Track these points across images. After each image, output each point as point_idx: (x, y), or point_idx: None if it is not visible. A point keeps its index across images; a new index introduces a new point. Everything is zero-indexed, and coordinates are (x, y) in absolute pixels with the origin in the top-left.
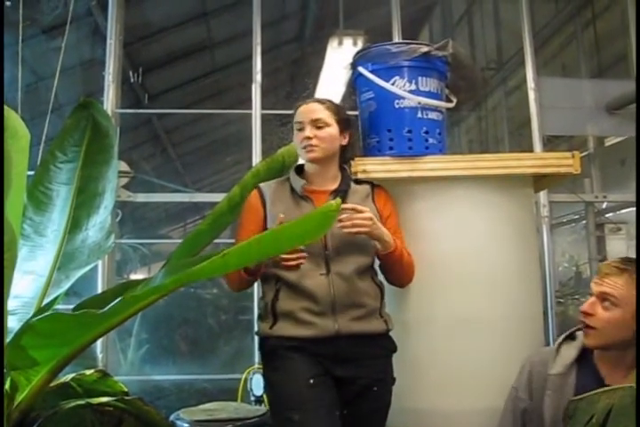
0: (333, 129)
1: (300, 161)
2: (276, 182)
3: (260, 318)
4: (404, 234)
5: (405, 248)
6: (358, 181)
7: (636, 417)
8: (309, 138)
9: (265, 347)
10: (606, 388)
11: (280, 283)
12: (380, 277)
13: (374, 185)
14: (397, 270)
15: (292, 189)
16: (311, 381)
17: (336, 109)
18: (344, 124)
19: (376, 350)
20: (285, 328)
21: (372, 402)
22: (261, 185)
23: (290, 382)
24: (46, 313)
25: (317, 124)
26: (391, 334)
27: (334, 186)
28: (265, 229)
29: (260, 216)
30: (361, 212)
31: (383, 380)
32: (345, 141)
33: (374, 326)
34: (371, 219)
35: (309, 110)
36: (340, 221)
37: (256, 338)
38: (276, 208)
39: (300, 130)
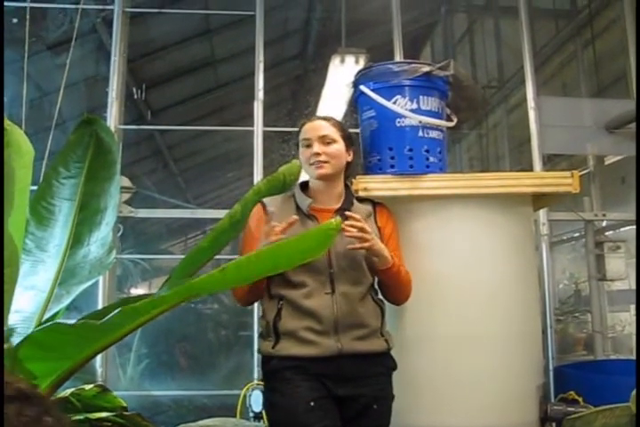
0: (340, 145)
1: (303, 178)
2: (281, 198)
3: (262, 336)
4: (403, 252)
5: (404, 266)
6: (360, 199)
7: (636, 422)
8: (318, 154)
9: (267, 367)
10: (603, 407)
11: (282, 302)
12: (380, 295)
13: (376, 203)
14: (394, 287)
15: (298, 207)
16: (312, 403)
17: (340, 126)
18: (348, 140)
19: (377, 369)
20: (288, 348)
21: (373, 420)
22: (265, 201)
23: (290, 404)
24: (47, 324)
25: (325, 140)
26: (390, 351)
27: (338, 204)
28: None
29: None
30: (363, 227)
31: (384, 398)
32: (350, 158)
33: (376, 346)
34: (371, 234)
35: (316, 127)
36: (345, 230)
37: (255, 354)
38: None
39: (308, 146)
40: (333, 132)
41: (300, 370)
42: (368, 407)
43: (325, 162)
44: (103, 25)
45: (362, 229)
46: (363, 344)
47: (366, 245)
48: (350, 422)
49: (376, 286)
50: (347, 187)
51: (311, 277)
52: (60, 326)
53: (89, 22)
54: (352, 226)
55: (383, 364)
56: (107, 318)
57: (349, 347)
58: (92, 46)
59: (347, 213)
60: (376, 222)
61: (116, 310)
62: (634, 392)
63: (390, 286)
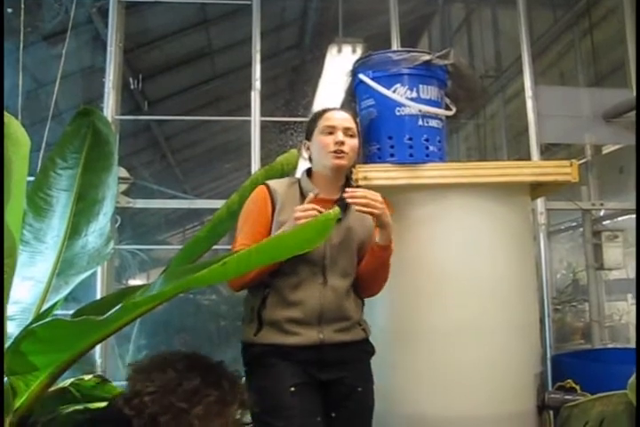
0: (358, 141)
1: (300, 168)
2: (286, 185)
3: (244, 321)
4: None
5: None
6: None
7: (636, 417)
8: (343, 143)
9: (248, 354)
10: (601, 394)
11: (268, 289)
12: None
13: None
14: (379, 270)
15: (302, 195)
16: (292, 389)
17: (358, 123)
18: (361, 138)
19: (358, 354)
20: (269, 336)
21: (359, 403)
22: (271, 184)
23: (271, 389)
24: (47, 319)
25: (348, 132)
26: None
27: (338, 196)
28: (269, 231)
29: (268, 218)
30: (365, 195)
31: (367, 380)
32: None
33: (356, 336)
34: (382, 203)
35: (343, 117)
36: (353, 197)
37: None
38: (283, 215)
39: (330, 134)
40: (355, 127)
41: (281, 356)
42: (353, 389)
43: (346, 153)
44: (99, 15)
45: (365, 197)
46: (342, 335)
47: (376, 211)
48: (337, 405)
49: None
50: (347, 178)
51: (304, 266)
52: (60, 322)
53: (84, 12)
54: (353, 197)
55: (363, 349)
56: (107, 314)
57: (330, 338)
58: (87, 37)
59: (346, 189)
60: None
61: (117, 307)
62: (630, 380)
63: (374, 271)
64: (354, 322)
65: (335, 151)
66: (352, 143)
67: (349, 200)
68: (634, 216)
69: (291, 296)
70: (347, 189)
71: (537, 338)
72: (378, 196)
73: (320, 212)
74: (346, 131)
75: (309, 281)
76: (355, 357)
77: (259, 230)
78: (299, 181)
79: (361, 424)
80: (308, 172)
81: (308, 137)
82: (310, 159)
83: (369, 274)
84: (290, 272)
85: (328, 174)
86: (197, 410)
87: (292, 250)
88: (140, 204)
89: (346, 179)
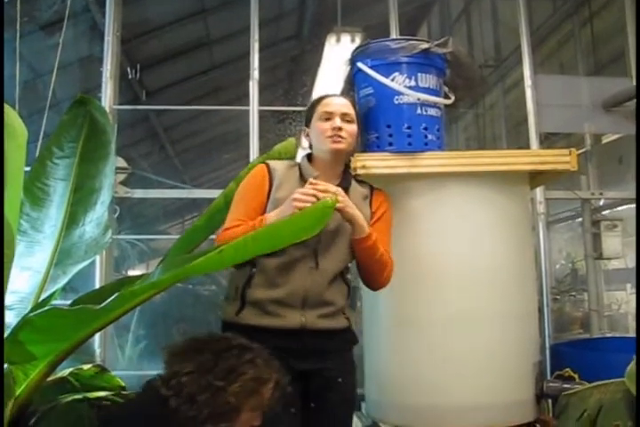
0: (356, 127)
1: (299, 156)
2: (286, 166)
3: (227, 299)
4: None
5: (387, 251)
6: (359, 181)
7: (636, 409)
8: (340, 129)
9: None
10: (599, 382)
11: (255, 269)
12: (350, 275)
13: (374, 188)
14: (370, 264)
15: (301, 177)
16: None
17: (356, 109)
18: (360, 126)
19: (339, 344)
20: (251, 317)
21: (339, 394)
22: (270, 164)
23: None
24: (44, 308)
25: (346, 118)
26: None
27: (337, 182)
28: (264, 209)
29: (264, 195)
30: (326, 189)
31: (348, 371)
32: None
33: (338, 324)
34: (343, 197)
35: (340, 103)
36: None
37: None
38: (280, 193)
39: (328, 120)
40: (353, 113)
41: (260, 343)
42: (333, 381)
43: (344, 138)
44: (96, 4)
45: (325, 191)
46: (325, 322)
47: (339, 206)
48: (316, 396)
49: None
50: (346, 167)
51: (296, 249)
52: (58, 311)
53: (81, 1)
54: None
55: (345, 339)
56: (105, 303)
57: (312, 323)
58: (85, 26)
59: (297, 190)
60: (370, 206)
61: (115, 295)
62: (629, 368)
63: (365, 264)
64: (338, 309)
65: (331, 136)
66: (350, 129)
67: (298, 204)
68: (633, 206)
69: (277, 277)
70: (298, 190)
71: (536, 328)
72: (330, 188)
73: (319, 199)
74: (343, 116)
75: (299, 263)
76: (336, 346)
77: (254, 207)
78: (299, 164)
79: (341, 416)
80: (309, 157)
81: (307, 124)
82: (310, 146)
83: (363, 267)
84: (280, 253)
85: (327, 159)
86: (234, 387)
87: (290, 238)
88: (139, 193)
89: (345, 166)
